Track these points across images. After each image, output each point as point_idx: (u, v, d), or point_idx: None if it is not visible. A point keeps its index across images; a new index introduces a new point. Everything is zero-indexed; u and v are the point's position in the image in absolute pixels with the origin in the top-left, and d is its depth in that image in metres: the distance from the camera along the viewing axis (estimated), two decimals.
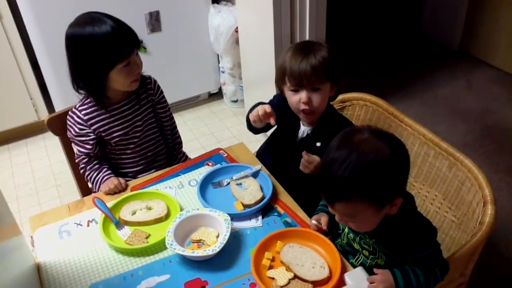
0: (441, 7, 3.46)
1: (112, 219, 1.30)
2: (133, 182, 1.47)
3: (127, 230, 1.28)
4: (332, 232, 1.26)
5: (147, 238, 1.25)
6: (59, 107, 2.59)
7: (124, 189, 1.43)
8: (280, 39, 2.16)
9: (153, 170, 1.59)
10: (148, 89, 1.55)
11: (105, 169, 1.52)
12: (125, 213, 1.32)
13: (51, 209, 1.43)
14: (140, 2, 2.37)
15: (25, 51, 2.51)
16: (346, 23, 3.85)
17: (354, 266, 1.16)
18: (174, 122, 1.68)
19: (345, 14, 3.87)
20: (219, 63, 2.79)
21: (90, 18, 1.38)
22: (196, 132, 2.72)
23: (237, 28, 2.47)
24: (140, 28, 2.42)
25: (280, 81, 1.41)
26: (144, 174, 1.57)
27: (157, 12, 2.42)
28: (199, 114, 2.90)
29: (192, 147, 2.48)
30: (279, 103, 1.47)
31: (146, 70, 1.53)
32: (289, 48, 1.41)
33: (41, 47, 2.38)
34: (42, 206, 2.30)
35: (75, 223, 1.33)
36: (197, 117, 2.87)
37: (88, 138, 1.49)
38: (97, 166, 1.52)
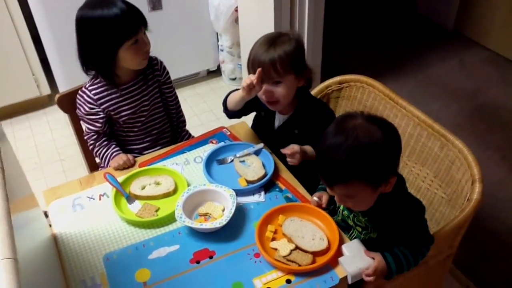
0: None
1: (123, 194, 1.37)
2: (141, 158, 1.54)
3: (137, 204, 1.36)
4: (329, 208, 1.35)
5: (156, 211, 1.33)
6: (61, 83, 2.63)
7: (132, 165, 1.51)
8: (279, 18, 2.20)
9: (158, 147, 1.66)
10: (155, 70, 1.60)
11: (114, 145, 1.59)
12: (135, 188, 1.39)
13: (63, 183, 1.51)
14: None
15: (26, 26, 2.53)
16: (344, 2, 3.87)
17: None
18: (179, 101, 1.74)
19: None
20: (218, 41, 2.83)
21: (100, 1, 1.42)
22: (195, 109, 2.79)
23: (237, 7, 2.51)
24: (141, 6, 2.41)
25: (250, 70, 1.44)
26: (150, 150, 1.64)
27: None
28: (198, 91, 2.96)
29: (192, 124, 2.54)
30: None
31: None
32: (261, 37, 1.44)
33: (43, 22, 2.41)
34: (47, 180, 2.37)
35: (87, 197, 1.40)
36: (196, 94, 2.93)
37: (97, 116, 1.55)
38: (105, 142, 1.59)
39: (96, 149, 1.59)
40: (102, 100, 1.54)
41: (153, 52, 1.63)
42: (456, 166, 1.44)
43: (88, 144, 1.61)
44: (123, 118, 1.58)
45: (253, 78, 1.34)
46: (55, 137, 2.66)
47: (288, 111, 1.51)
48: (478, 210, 1.35)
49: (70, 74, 2.56)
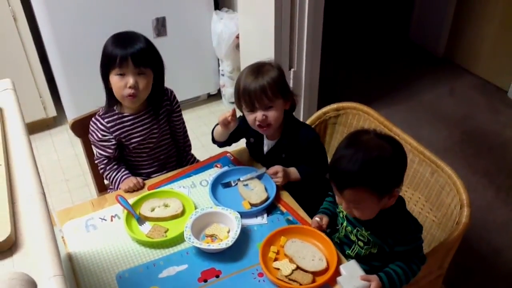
0: (428, 15, 3.65)
1: (134, 215, 1.46)
2: (149, 181, 1.62)
3: (147, 225, 1.44)
4: (327, 231, 1.44)
5: (165, 232, 1.42)
6: (67, 105, 2.72)
7: (141, 188, 1.59)
8: (280, 46, 2.32)
9: (165, 171, 1.74)
10: (165, 100, 1.70)
11: (123, 169, 1.67)
12: (145, 210, 1.48)
13: (76, 205, 1.59)
14: (148, 9, 2.51)
15: (35, 48, 2.62)
16: (339, 29, 4.01)
17: (350, 257, 1.35)
18: (185, 127, 1.84)
19: (338, 21, 4.03)
20: (219, 66, 2.94)
21: (124, 33, 1.57)
22: (196, 131, 2.88)
23: (238, 34, 2.63)
24: (146, 32, 2.52)
25: (237, 102, 1.55)
26: (157, 174, 1.73)
27: (164, 18, 2.56)
28: (199, 114, 3.05)
29: (194, 146, 2.61)
30: (244, 120, 1.59)
31: None
32: (244, 69, 1.55)
33: (52, 43, 2.49)
34: (53, 199, 2.44)
35: (99, 218, 1.48)
36: (197, 116, 3.02)
37: (109, 143, 1.64)
38: (115, 166, 1.68)
39: (107, 172, 1.68)
40: (114, 128, 1.63)
41: None
42: (446, 191, 1.54)
43: (99, 167, 1.70)
44: (133, 145, 1.67)
45: (228, 115, 1.48)
46: (60, 157, 2.74)
47: (275, 137, 1.62)
48: (466, 232, 1.44)
49: (76, 96, 2.65)
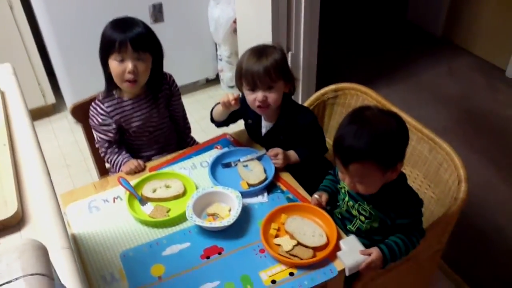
0: None
1: (136, 196, 1.48)
2: (150, 164, 1.64)
3: (149, 206, 1.46)
4: (327, 208, 1.46)
5: (168, 212, 1.44)
6: (66, 91, 2.73)
7: (143, 170, 1.61)
8: (277, 28, 2.32)
9: (164, 153, 1.76)
10: (164, 83, 1.71)
11: (124, 152, 1.69)
12: (146, 191, 1.50)
13: (79, 187, 1.61)
14: None
15: (32, 36, 2.62)
16: (337, 11, 4.00)
17: (351, 231, 1.38)
18: (185, 111, 1.85)
19: (336, 2, 4.02)
20: (217, 51, 2.95)
21: (123, 19, 1.56)
22: (195, 115, 2.88)
23: (235, 19, 2.63)
24: (144, 18, 2.51)
25: (238, 81, 1.57)
26: (157, 157, 1.74)
27: (160, 4, 2.56)
28: (197, 98, 3.06)
29: (193, 129, 2.63)
30: (243, 101, 1.60)
31: None
32: (246, 51, 1.56)
33: (50, 32, 2.50)
34: (56, 185, 2.45)
35: (102, 199, 1.50)
36: (196, 101, 3.03)
37: (110, 127, 1.65)
38: (116, 150, 1.69)
39: (108, 156, 1.69)
40: (113, 112, 1.64)
41: None
42: (443, 168, 1.56)
43: (100, 151, 1.71)
44: (133, 129, 1.69)
45: (231, 98, 1.50)
46: (61, 144, 2.76)
47: (273, 119, 1.63)
48: (467, 209, 1.47)
49: (75, 82, 2.66)
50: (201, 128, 2.78)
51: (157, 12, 2.57)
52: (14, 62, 2.63)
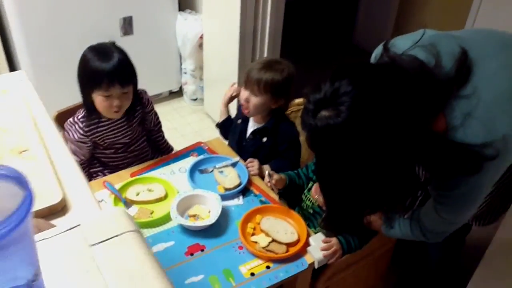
0: (371, 18, 3.95)
1: (121, 199, 1.58)
2: (132, 169, 1.75)
3: (134, 208, 1.57)
4: (280, 191, 1.65)
5: (151, 214, 1.56)
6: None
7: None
8: (244, 45, 2.49)
9: (139, 162, 1.86)
10: (139, 103, 1.80)
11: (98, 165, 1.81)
12: (130, 194, 1.61)
13: None
14: (116, 8, 2.61)
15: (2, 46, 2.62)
16: (295, 37, 4.22)
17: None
18: (160, 123, 1.98)
19: (293, 29, 4.24)
20: (181, 64, 3.08)
21: (103, 48, 1.64)
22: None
23: (202, 35, 2.78)
24: (114, 31, 2.66)
25: (243, 76, 1.79)
26: (133, 165, 1.83)
27: (130, 18, 2.67)
28: (161, 110, 3.12)
29: None
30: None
31: None
32: (264, 57, 1.78)
33: (21, 44, 2.52)
34: None
35: None
36: (160, 113, 3.09)
37: (85, 145, 1.75)
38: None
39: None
40: (90, 132, 1.72)
41: None
42: None
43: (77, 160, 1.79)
44: (106, 144, 1.78)
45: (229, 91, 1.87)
46: None
47: (261, 122, 1.81)
48: None
49: (47, 96, 2.69)
50: (166, 138, 2.89)
51: (127, 25, 2.68)
52: None
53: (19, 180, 0.46)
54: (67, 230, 0.64)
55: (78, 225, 0.65)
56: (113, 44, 1.68)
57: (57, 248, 0.62)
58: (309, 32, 4.38)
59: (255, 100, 1.70)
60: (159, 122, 1.99)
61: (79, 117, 1.73)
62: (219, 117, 1.99)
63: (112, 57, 1.60)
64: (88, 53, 1.63)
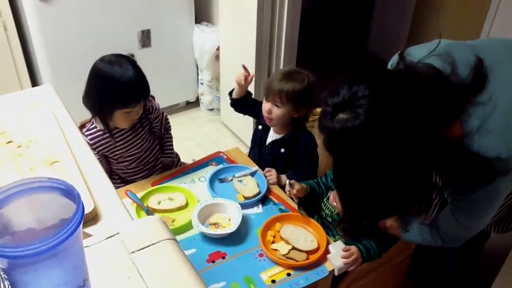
0: (386, 26, 3.97)
1: (143, 208, 1.62)
2: (153, 178, 1.79)
3: (155, 216, 1.61)
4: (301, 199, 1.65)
5: (173, 222, 1.59)
6: None
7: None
8: (260, 57, 2.53)
9: (157, 173, 1.89)
10: (146, 110, 1.81)
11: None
12: (152, 203, 1.65)
13: None
14: (134, 22, 2.67)
15: (24, 59, 2.69)
16: (310, 46, 4.26)
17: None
18: (170, 127, 2.00)
19: (308, 37, 4.28)
20: (198, 75, 3.13)
21: (117, 61, 1.63)
22: (177, 136, 3.03)
23: (218, 46, 2.83)
24: (132, 43, 2.72)
25: (264, 87, 1.79)
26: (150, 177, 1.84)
27: (148, 31, 2.73)
28: (178, 120, 3.22)
29: (176, 150, 2.79)
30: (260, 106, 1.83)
31: None
32: (284, 68, 1.80)
33: (43, 56, 2.59)
34: None
35: None
36: (177, 122, 3.19)
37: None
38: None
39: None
40: (97, 145, 1.75)
41: None
42: None
43: None
44: (116, 157, 1.81)
45: (242, 77, 1.81)
46: None
47: (281, 132, 1.83)
48: None
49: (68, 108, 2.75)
50: (183, 148, 2.94)
51: (145, 38, 2.74)
52: (3, 85, 2.71)
53: (70, 192, 0.49)
54: (107, 238, 0.67)
55: (117, 233, 0.68)
56: (125, 57, 1.68)
57: (98, 255, 0.65)
58: (324, 40, 4.42)
59: (277, 111, 1.73)
60: (169, 127, 2.01)
61: (84, 131, 1.75)
62: (235, 93, 1.92)
63: (133, 75, 1.61)
64: (108, 71, 1.61)
